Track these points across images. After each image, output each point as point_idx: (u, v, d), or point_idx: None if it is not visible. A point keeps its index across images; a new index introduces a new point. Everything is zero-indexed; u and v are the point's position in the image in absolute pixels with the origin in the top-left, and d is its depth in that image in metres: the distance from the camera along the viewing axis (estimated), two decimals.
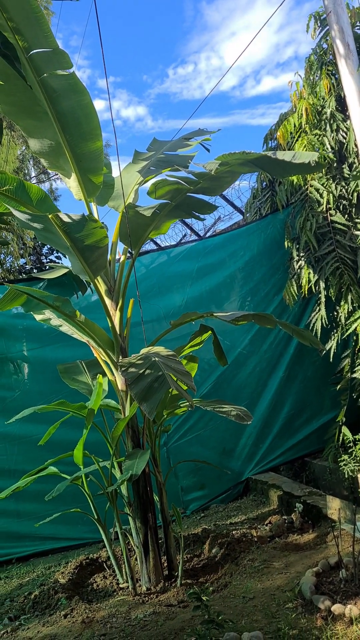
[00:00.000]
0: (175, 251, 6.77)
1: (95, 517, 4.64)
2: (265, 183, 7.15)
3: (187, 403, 4.77)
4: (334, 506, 4.66)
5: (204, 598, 2.97)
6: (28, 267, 16.75)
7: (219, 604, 3.60)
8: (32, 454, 5.87)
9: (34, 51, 3.73)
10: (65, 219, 3.81)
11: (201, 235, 10.17)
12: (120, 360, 4.18)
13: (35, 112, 4.09)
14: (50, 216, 3.79)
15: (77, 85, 3.89)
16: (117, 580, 4.69)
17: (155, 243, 10.36)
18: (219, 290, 6.81)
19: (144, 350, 4.16)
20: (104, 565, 5.03)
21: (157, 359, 3.79)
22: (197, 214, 4.55)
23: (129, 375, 3.72)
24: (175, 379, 3.60)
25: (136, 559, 4.64)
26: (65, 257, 13.39)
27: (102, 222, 4.05)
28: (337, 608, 3.20)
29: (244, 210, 8.05)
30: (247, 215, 7.81)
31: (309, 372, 6.80)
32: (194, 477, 6.45)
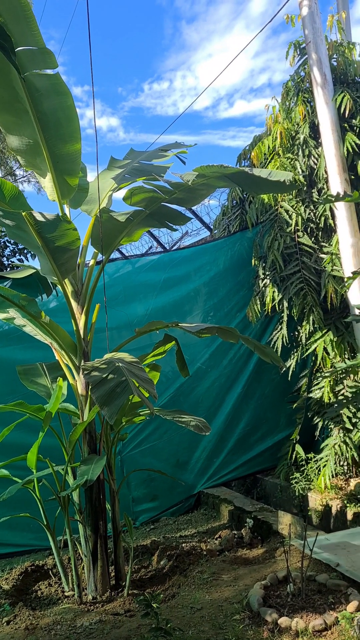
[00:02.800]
0: (141, 261, 6.78)
1: (45, 523, 4.56)
2: (235, 201, 7.28)
3: (147, 411, 4.77)
4: (284, 521, 4.72)
5: (153, 605, 2.95)
6: None
7: (166, 613, 3.58)
8: None
9: (20, 48, 3.73)
10: (39, 217, 3.78)
11: (167, 248, 10.23)
12: (83, 364, 4.15)
13: (16, 109, 4.06)
14: (23, 214, 3.76)
15: (60, 86, 3.90)
16: (63, 588, 4.60)
17: (120, 252, 10.36)
18: (183, 303, 6.84)
19: (107, 356, 4.15)
20: (50, 572, 4.93)
21: (120, 364, 3.79)
22: (170, 224, 4.59)
23: (91, 379, 3.70)
24: (137, 385, 3.61)
25: (83, 568, 4.57)
26: (27, 259, 13.22)
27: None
28: (284, 621, 3.23)
29: (212, 227, 8.16)
30: (216, 232, 7.92)
31: (267, 390, 6.89)
32: (145, 488, 6.42)
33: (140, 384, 3.62)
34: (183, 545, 5.05)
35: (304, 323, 5.82)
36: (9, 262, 16.77)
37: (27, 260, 13.48)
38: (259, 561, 4.42)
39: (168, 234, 16.92)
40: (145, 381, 3.70)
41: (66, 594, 4.50)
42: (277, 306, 6.01)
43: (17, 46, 3.67)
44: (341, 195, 3.52)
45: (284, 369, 6.00)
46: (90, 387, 3.60)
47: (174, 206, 4.41)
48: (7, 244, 14.75)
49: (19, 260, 16.64)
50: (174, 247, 10.19)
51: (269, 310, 6.04)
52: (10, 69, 3.76)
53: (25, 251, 14.45)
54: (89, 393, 4.53)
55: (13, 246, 14.62)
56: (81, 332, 4.54)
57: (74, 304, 4.57)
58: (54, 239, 3.96)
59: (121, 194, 4.69)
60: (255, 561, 4.44)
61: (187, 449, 6.65)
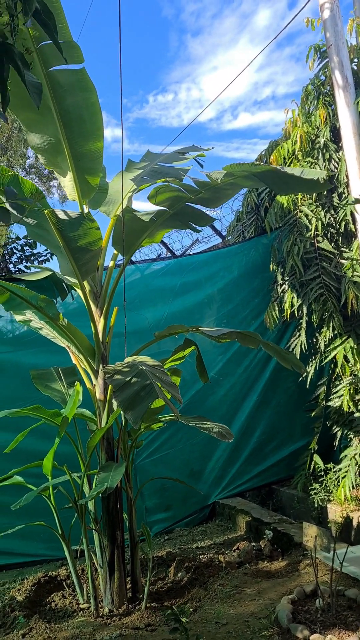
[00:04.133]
0: (157, 265, 6.68)
1: (60, 532, 4.41)
2: (250, 207, 7.19)
3: (167, 417, 4.64)
4: (310, 533, 4.56)
5: (182, 619, 2.81)
6: None
7: (190, 628, 3.42)
8: None
9: (44, 43, 3.65)
10: (62, 215, 3.69)
11: (177, 255, 10.13)
12: (104, 367, 4.02)
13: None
14: (45, 211, 3.67)
15: (85, 81, 3.81)
16: (78, 600, 4.44)
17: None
18: (197, 309, 6.72)
19: (129, 359, 4.03)
20: (64, 584, 4.77)
21: (144, 367, 3.67)
22: (193, 224, 4.49)
23: (114, 382, 3.57)
24: (162, 389, 3.48)
25: (98, 579, 4.42)
26: (35, 265, 13.14)
27: None
28: (316, 638, 3.08)
29: (226, 233, 8.06)
30: (229, 238, 7.82)
31: (282, 399, 6.76)
32: (159, 498, 6.26)
33: (165, 388, 3.50)
34: (200, 557, 4.90)
35: (324, 329, 5.70)
36: (16, 269, 16.73)
37: (34, 268, 13.38)
38: (281, 574, 4.26)
39: (179, 241, 16.83)
40: (170, 385, 3.57)
41: (81, 606, 4.34)
42: (296, 312, 5.89)
43: (43, 40, 3.59)
44: None
45: (305, 374, 5.86)
46: (112, 391, 3.48)
47: (198, 206, 4.31)
48: (15, 250, 14.68)
49: (25, 267, 16.61)
50: (185, 255, 10.09)
51: (288, 316, 5.92)
52: (35, 64, 3.68)
53: (32, 258, 14.39)
54: (108, 398, 4.41)
55: (20, 253, 14.55)
56: (100, 335, 4.43)
57: (92, 306, 4.45)
58: (76, 238, 3.85)
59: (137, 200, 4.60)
60: (278, 574, 4.28)
61: (199, 458, 6.50)
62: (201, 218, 4.42)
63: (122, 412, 4.40)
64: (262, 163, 3.52)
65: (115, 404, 4.56)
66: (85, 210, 4.64)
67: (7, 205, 3.84)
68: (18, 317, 4.79)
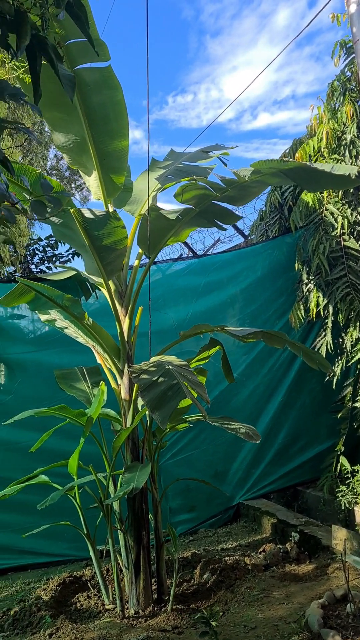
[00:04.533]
0: (180, 265, 6.64)
1: (85, 532, 4.40)
2: (274, 206, 7.11)
3: (192, 417, 4.60)
4: (339, 536, 4.48)
5: (213, 624, 2.76)
6: (18, 274, 16.49)
7: (219, 632, 3.37)
8: (16, 461, 5.60)
9: (70, 41, 3.64)
10: (87, 214, 3.67)
11: (199, 255, 10.08)
12: (131, 367, 4.00)
13: (63, 105, 3.96)
14: (71, 210, 3.65)
15: (111, 79, 3.79)
16: (103, 600, 4.42)
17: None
18: (220, 309, 6.66)
19: (154, 358, 3.99)
20: (88, 584, 4.76)
21: (170, 367, 3.63)
22: (219, 222, 4.44)
23: (141, 382, 3.54)
24: (190, 389, 3.44)
25: (123, 580, 4.39)
26: (56, 267, 13.19)
27: None
28: None
29: (248, 232, 7.99)
30: (252, 237, 7.75)
31: (307, 400, 6.67)
32: (183, 499, 6.22)
33: (192, 388, 3.46)
34: (226, 558, 4.84)
35: (350, 329, 5.60)
36: (38, 270, 16.84)
37: (56, 269, 13.46)
38: (310, 578, 4.19)
39: (201, 241, 16.74)
40: (197, 385, 3.53)
41: (106, 607, 4.32)
42: (322, 312, 5.80)
43: (68, 38, 3.58)
44: None
45: (329, 376, 5.77)
46: (139, 390, 3.44)
47: (224, 204, 4.26)
48: (37, 251, 14.76)
49: (47, 268, 16.73)
50: (208, 254, 10.04)
51: (314, 315, 5.83)
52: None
53: (54, 259, 14.46)
54: (133, 398, 4.38)
55: (42, 254, 14.63)
56: (125, 334, 4.40)
57: (118, 305, 4.43)
58: (102, 237, 3.84)
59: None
60: (306, 578, 4.21)
61: (223, 459, 6.45)
62: (227, 216, 4.37)
63: (147, 412, 4.40)
64: (291, 160, 3.47)
65: (140, 404, 4.54)
66: (110, 210, 4.62)
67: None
68: (43, 317, 4.79)
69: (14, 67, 2.74)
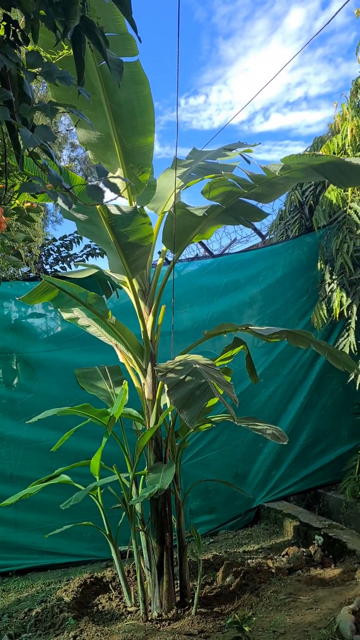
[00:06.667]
0: (199, 265, 6.58)
1: (107, 532, 4.35)
2: (294, 205, 7.03)
3: (216, 418, 4.54)
4: None
5: (246, 629, 2.69)
6: (32, 275, 16.53)
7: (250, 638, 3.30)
8: (37, 460, 5.60)
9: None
10: (114, 210, 3.62)
11: (215, 255, 10.02)
12: (156, 366, 3.94)
13: (88, 101, 3.91)
14: (97, 207, 3.61)
15: (139, 74, 3.75)
16: (125, 602, 4.37)
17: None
18: (242, 309, 6.60)
19: (180, 357, 3.94)
20: (110, 586, 4.71)
21: (197, 366, 3.57)
22: (245, 219, 4.37)
23: (168, 381, 3.48)
24: (218, 387, 3.38)
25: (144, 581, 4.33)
26: (70, 267, 13.18)
27: None
28: None
29: (267, 231, 7.91)
30: (271, 236, 7.67)
31: (329, 402, 6.58)
32: (203, 500, 6.16)
33: (220, 387, 3.39)
34: (248, 561, 4.77)
35: None
36: (52, 270, 16.90)
37: (70, 268, 13.45)
38: (337, 582, 4.10)
39: (217, 241, 16.67)
40: (225, 384, 3.46)
41: (128, 609, 4.26)
42: (345, 312, 5.71)
43: None
44: None
45: (353, 376, 5.68)
46: (167, 389, 3.38)
47: (251, 201, 4.19)
48: (51, 252, 14.78)
49: (62, 268, 16.79)
50: (228, 254, 9.99)
51: (337, 316, 5.75)
52: (87, 57, 3.63)
53: (69, 259, 14.46)
54: (157, 397, 4.32)
55: (56, 254, 14.64)
56: (149, 333, 4.35)
57: (141, 303, 4.38)
58: (127, 234, 3.79)
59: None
60: (333, 582, 4.12)
61: (242, 461, 6.37)
62: (254, 213, 4.30)
63: (170, 412, 4.34)
64: (323, 154, 3.39)
65: (162, 404, 4.48)
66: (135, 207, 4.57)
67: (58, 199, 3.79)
68: (65, 315, 4.75)
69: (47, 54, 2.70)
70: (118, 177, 2.57)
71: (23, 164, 1.87)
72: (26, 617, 4.13)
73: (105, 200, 1.76)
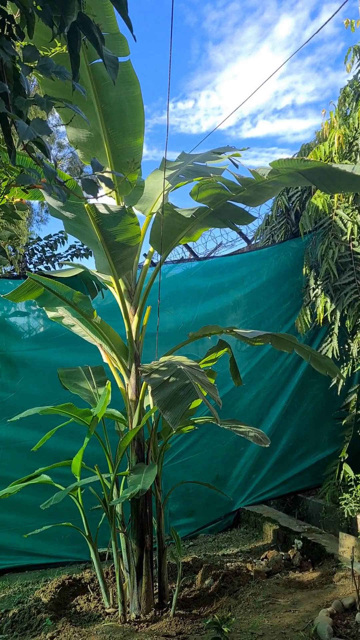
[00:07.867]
0: (184, 267, 6.59)
1: (87, 534, 4.32)
2: (281, 210, 7.08)
3: (199, 420, 4.54)
4: (346, 544, 4.42)
5: (225, 629, 2.70)
6: (16, 273, 16.39)
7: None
8: (17, 460, 5.53)
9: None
10: (102, 209, 3.61)
11: (200, 258, 10.04)
12: (141, 366, 3.94)
13: (79, 99, 3.91)
14: (85, 205, 3.60)
15: (129, 75, 3.75)
16: (103, 604, 4.34)
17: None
18: (226, 312, 6.61)
19: (164, 358, 3.94)
20: (88, 587, 4.67)
21: (182, 367, 3.57)
22: (233, 223, 4.39)
23: (152, 382, 3.48)
24: (201, 389, 3.39)
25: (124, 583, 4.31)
26: (54, 267, 13.10)
27: None
28: None
29: (253, 236, 7.95)
30: (257, 241, 7.72)
31: (310, 407, 6.62)
32: (183, 503, 6.15)
33: (204, 389, 3.40)
34: (228, 564, 4.78)
35: (357, 335, 5.57)
36: (36, 269, 16.77)
37: (54, 268, 13.38)
38: (315, 586, 4.13)
39: (202, 245, 16.69)
40: (209, 386, 3.47)
41: (107, 610, 4.24)
42: (329, 317, 5.76)
43: None
44: None
45: (335, 382, 5.73)
46: (150, 390, 3.38)
47: (239, 204, 4.21)
48: (35, 251, 14.67)
49: (46, 268, 16.68)
50: (214, 257, 10.01)
51: (321, 321, 5.80)
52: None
53: (53, 259, 14.37)
54: (140, 398, 4.32)
55: (40, 254, 14.54)
56: (133, 334, 4.34)
57: (127, 304, 4.37)
58: (115, 234, 3.78)
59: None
60: (311, 585, 4.15)
61: (222, 464, 6.38)
62: (242, 216, 4.32)
63: (153, 413, 4.33)
64: (311, 159, 3.42)
65: (145, 405, 4.48)
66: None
67: (46, 197, 3.77)
68: (50, 314, 4.72)
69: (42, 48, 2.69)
70: (111, 172, 2.56)
71: (15, 159, 1.86)
72: (2, 618, 4.09)
73: (99, 194, 1.76)
